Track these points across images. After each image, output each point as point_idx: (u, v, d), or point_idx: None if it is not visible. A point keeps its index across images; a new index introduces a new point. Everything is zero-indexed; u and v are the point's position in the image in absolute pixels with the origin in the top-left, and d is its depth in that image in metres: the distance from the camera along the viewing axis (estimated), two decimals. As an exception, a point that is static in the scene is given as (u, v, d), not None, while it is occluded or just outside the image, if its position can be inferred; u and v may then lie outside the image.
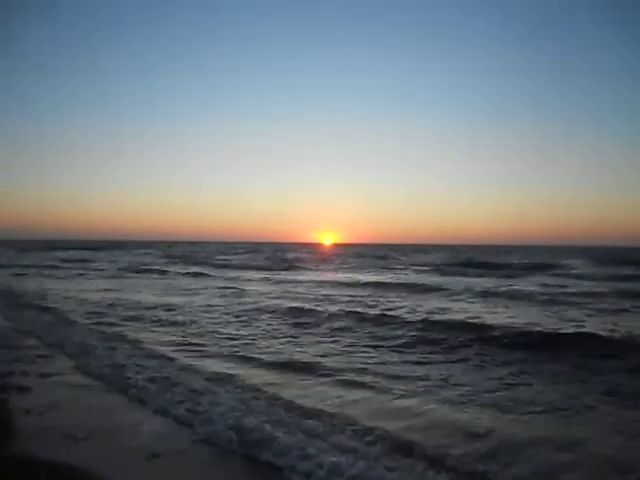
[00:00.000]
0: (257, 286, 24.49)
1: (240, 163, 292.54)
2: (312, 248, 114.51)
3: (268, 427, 5.50)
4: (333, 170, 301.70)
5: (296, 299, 18.73)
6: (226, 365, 8.79)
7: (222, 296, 19.75)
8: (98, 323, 13.11)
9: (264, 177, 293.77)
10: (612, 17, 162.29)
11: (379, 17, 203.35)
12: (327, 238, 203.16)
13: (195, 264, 44.50)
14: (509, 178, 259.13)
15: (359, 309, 15.66)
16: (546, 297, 19.59)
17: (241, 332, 12.22)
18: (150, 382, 7.39)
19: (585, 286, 25.33)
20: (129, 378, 7.62)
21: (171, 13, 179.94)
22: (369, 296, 20.05)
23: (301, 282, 27.18)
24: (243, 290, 21.91)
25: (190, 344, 10.63)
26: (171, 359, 9.08)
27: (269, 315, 14.82)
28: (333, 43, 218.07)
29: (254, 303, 17.14)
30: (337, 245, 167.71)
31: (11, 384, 7.16)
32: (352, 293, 21.26)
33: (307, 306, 16.30)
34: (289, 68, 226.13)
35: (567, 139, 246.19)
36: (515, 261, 52.32)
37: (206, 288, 23.12)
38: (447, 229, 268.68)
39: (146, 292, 21.31)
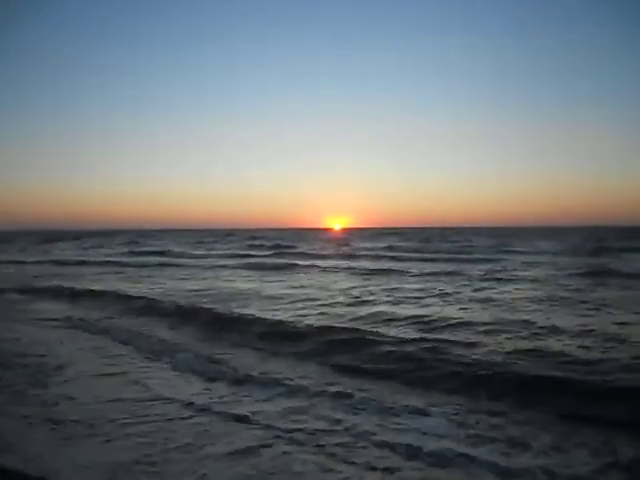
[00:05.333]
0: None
1: (249, 152, 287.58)
2: (301, 235, 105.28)
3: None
4: (345, 156, 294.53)
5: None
6: None
7: None
8: None
9: (275, 164, 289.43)
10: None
11: (382, 7, 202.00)
12: (337, 223, 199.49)
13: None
14: (510, 162, 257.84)
15: None
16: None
17: None
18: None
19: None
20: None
21: (170, 6, 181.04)
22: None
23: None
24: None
25: None
26: None
27: None
28: (342, 32, 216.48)
29: None
30: (344, 230, 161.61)
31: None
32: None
33: None
34: (299, 57, 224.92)
35: (565, 124, 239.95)
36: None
37: None
38: (452, 212, 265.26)
39: None
